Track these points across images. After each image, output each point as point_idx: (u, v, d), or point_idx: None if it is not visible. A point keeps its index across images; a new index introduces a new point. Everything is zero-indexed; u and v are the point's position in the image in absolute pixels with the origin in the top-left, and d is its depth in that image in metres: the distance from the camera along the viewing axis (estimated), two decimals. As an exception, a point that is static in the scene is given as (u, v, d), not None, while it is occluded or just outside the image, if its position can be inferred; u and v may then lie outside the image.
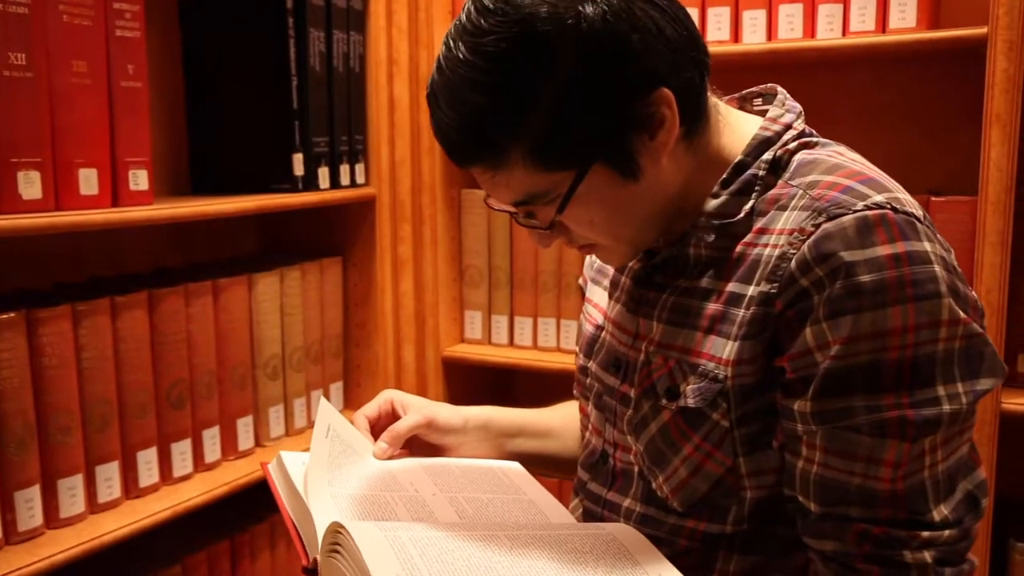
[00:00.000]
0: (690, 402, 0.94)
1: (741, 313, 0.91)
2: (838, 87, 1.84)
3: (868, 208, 0.86)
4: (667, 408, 0.96)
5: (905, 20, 1.59)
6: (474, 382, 2.11)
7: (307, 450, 1.05)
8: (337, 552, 0.84)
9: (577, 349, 1.19)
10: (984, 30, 1.48)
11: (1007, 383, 1.58)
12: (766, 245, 0.91)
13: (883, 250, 0.84)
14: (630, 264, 1.08)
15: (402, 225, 1.93)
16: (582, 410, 1.18)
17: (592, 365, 1.11)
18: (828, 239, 0.85)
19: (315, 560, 0.89)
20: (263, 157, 1.72)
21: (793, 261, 0.87)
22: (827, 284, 0.85)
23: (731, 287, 0.93)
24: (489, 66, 0.85)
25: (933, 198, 1.61)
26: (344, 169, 1.81)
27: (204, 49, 1.75)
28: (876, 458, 0.86)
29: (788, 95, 1.01)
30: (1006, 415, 1.53)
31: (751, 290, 0.91)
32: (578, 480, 1.14)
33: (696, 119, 0.94)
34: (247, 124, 1.74)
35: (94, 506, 1.41)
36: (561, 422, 1.27)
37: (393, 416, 1.18)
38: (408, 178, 1.92)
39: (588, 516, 1.08)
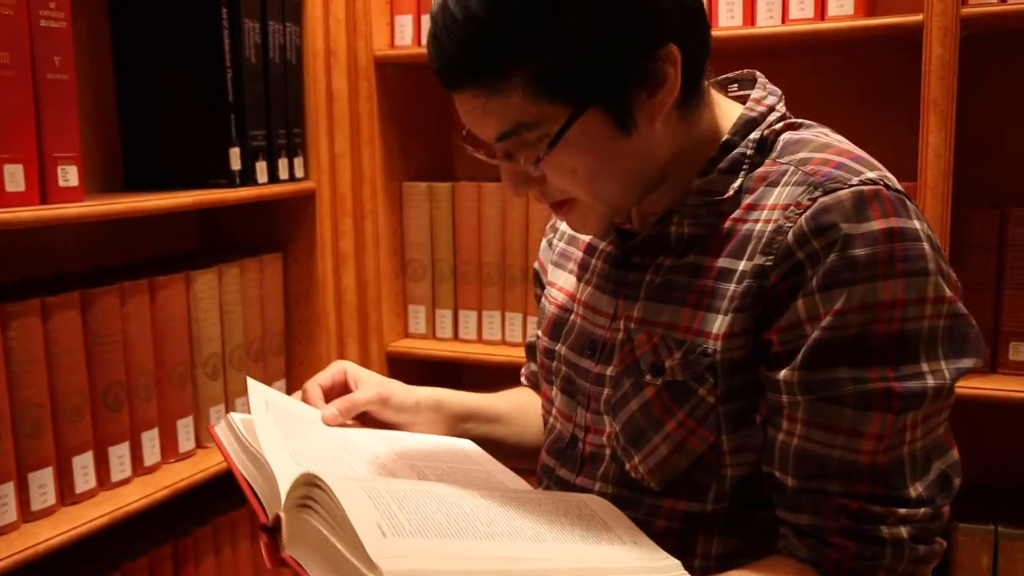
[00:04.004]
0: (678, 375, 0.93)
1: (732, 287, 0.91)
2: (777, 74, 1.84)
3: (863, 183, 0.87)
4: (651, 384, 0.95)
5: (843, 8, 1.60)
6: (419, 377, 2.07)
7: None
8: (307, 506, 0.81)
9: (539, 333, 1.17)
10: (920, 17, 1.49)
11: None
12: (757, 220, 0.92)
13: (877, 224, 0.85)
14: (602, 247, 1.07)
15: (343, 219, 1.90)
16: (544, 395, 1.16)
17: (561, 348, 1.10)
18: (826, 211, 0.86)
19: (276, 517, 0.85)
20: (199, 151, 1.68)
21: (790, 233, 0.88)
22: (822, 256, 0.86)
23: (721, 263, 0.93)
24: None
25: (873, 184, 1.62)
26: (282, 163, 1.78)
27: (135, 40, 1.70)
28: (859, 430, 0.86)
29: (767, 80, 1.03)
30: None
31: (742, 264, 0.91)
32: (544, 467, 1.12)
33: (693, 88, 0.95)
34: (182, 118, 1.69)
35: (27, 514, 1.36)
36: (510, 408, 1.27)
37: (344, 388, 1.16)
38: (348, 171, 1.89)
39: None
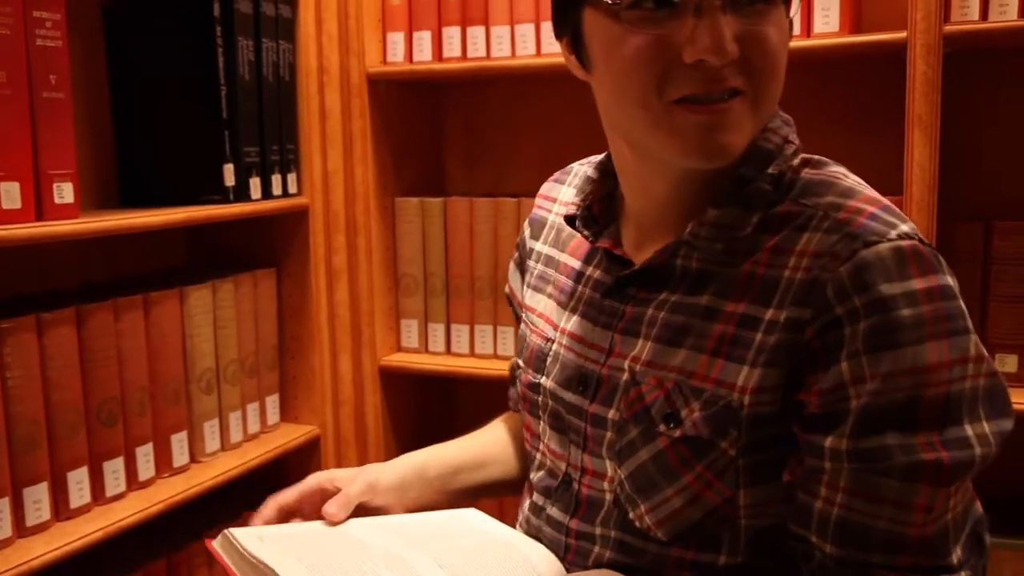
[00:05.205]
0: (702, 431, 0.88)
1: (759, 337, 0.86)
2: (765, 91, 1.87)
3: (900, 238, 0.83)
4: (665, 435, 0.90)
5: (828, 25, 1.62)
6: (412, 391, 2.10)
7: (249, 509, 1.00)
8: None
9: (520, 363, 1.13)
10: (904, 34, 1.52)
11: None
12: (785, 266, 0.87)
13: (918, 284, 0.82)
14: (588, 272, 1.03)
15: (336, 235, 1.91)
16: (528, 428, 1.11)
17: (546, 382, 1.04)
18: (867, 268, 0.82)
19: None
20: (193, 168, 1.69)
21: (829, 286, 0.83)
22: (863, 316, 0.81)
23: (745, 308, 0.88)
24: None
25: (859, 199, 1.64)
26: (276, 179, 1.79)
27: (130, 58, 1.71)
28: (907, 502, 0.82)
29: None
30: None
31: (770, 313, 0.86)
32: (531, 503, 1.07)
33: None
34: (176, 134, 1.71)
35: (22, 530, 1.37)
36: (497, 447, 1.22)
37: (324, 493, 1.08)
38: (341, 187, 1.91)
39: (552, 545, 1.01)
